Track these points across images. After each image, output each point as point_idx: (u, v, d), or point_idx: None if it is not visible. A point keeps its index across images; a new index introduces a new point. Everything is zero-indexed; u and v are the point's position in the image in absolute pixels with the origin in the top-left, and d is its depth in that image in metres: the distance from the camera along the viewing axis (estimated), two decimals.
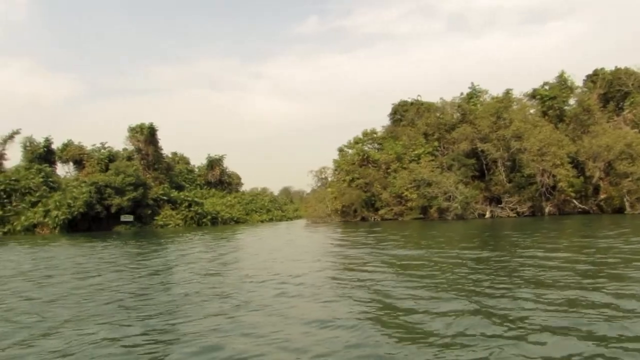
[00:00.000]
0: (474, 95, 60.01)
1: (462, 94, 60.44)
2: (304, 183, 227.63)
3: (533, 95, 59.08)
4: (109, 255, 20.97)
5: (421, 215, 54.19)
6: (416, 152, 57.02)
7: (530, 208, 51.84)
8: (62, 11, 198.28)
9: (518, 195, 51.71)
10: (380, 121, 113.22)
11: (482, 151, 53.00)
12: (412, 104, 63.07)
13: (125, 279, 13.37)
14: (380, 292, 9.72)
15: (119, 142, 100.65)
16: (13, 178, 54.76)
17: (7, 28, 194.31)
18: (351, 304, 8.74)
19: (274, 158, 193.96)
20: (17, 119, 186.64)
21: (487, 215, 52.88)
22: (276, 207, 78.18)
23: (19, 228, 51.34)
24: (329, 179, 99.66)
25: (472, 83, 60.89)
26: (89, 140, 69.34)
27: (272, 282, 11.67)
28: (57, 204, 51.70)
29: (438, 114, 58.84)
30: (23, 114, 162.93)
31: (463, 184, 51.45)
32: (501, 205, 52.70)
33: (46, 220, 51.68)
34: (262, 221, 68.07)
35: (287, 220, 72.47)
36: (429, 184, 51.48)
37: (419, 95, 63.45)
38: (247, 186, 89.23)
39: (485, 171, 54.82)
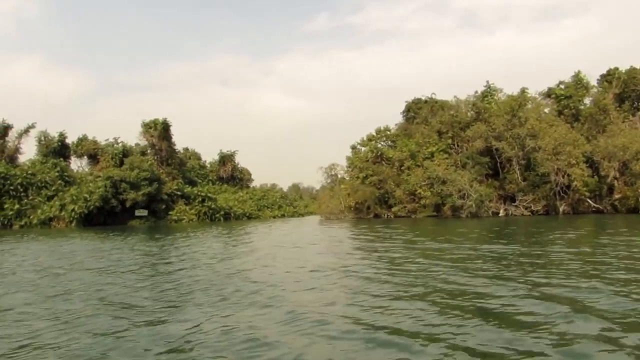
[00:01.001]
0: (488, 93, 59.95)
1: (476, 92, 60.60)
2: (314, 179, 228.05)
3: (548, 94, 58.98)
4: (158, 250, 21.27)
5: (434, 213, 54.31)
6: (430, 150, 57.11)
7: (544, 207, 51.78)
8: (75, 7, 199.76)
9: (532, 193, 51.64)
10: (390, 119, 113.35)
11: (497, 149, 53.00)
12: (426, 101, 63.17)
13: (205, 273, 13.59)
14: (451, 282, 9.90)
15: (130, 138, 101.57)
16: (29, 172, 55.25)
17: (20, 24, 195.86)
18: (443, 293, 8.85)
19: (284, 154, 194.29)
20: (30, 114, 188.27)
21: (501, 213, 52.87)
22: (287, 203, 78.41)
23: (35, 221, 51.88)
24: (339, 176, 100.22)
25: (487, 81, 61.07)
26: (100, 136, 69.63)
27: (352, 275, 11.83)
28: (74, 198, 52.17)
29: (452, 112, 58.79)
30: (35, 109, 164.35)
31: (477, 182, 51.55)
32: (515, 204, 52.65)
33: (62, 214, 52.18)
34: (274, 217, 68.31)
35: (298, 217, 72.71)
36: (443, 182, 51.55)
37: (433, 93, 63.65)
38: (256, 182, 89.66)
39: (500, 169, 54.82)
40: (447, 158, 55.12)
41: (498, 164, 54.76)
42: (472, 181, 51.10)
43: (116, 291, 9.97)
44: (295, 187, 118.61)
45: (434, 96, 63.34)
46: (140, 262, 15.68)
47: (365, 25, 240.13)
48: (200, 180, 70.96)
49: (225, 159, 78.47)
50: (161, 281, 11.31)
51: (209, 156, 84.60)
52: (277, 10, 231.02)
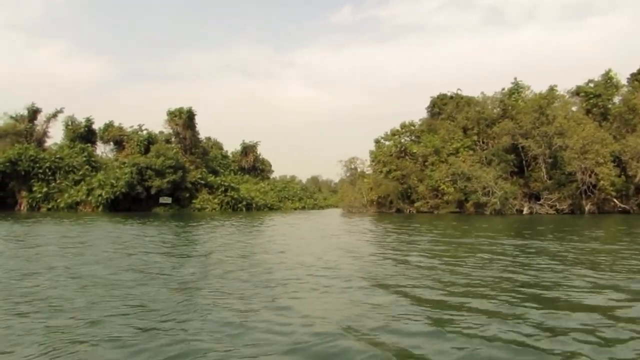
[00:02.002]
0: (515, 90, 59.42)
1: (503, 89, 59.98)
2: (332, 172, 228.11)
3: (577, 92, 58.34)
4: (206, 235, 21.62)
5: (457, 209, 54.17)
6: (454, 146, 56.88)
7: (569, 206, 51.38)
8: None
9: (558, 192, 51.27)
10: (412, 114, 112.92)
11: (523, 147, 52.63)
12: (451, 97, 62.81)
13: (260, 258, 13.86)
14: (511, 270, 10.02)
15: (152, 125, 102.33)
16: (57, 156, 56.01)
17: (47, 9, 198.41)
18: (511, 284, 8.99)
19: (303, 146, 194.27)
20: (54, 99, 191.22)
21: (525, 211, 52.60)
22: (307, 196, 78.61)
23: (62, 205, 52.70)
24: (359, 170, 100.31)
25: (515, 78, 60.43)
26: (121, 122, 70.03)
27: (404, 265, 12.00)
28: (101, 183, 52.86)
29: (478, 109, 58.41)
30: (59, 93, 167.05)
31: (502, 180, 51.31)
32: (540, 202, 52.32)
33: (89, 198, 52.89)
34: (295, 209, 68.54)
35: (319, 209, 72.90)
36: (468, 179, 51.37)
37: (458, 89, 63.27)
38: (275, 174, 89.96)
39: (525, 167, 54.44)
40: (472, 154, 54.84)
41: (523, 162, 54.37)
42: (497, 178, 50.88)
43: (210, 276, 10.27)
44: (314, 180, 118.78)
45: (459, 92, 62.98)
46: (206, 248, 16.03)
47: (389, 19, 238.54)
48: (222, 170, 71.37)
49: (248, 149, 78.82)
50: (235, 268, 11.58)
51: (229, 146, 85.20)
52: (301, 2, 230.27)
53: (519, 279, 9.28)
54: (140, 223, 29.20)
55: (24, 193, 53.29)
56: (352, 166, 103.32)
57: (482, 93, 60.41)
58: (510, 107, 56.57)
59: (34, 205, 52.81)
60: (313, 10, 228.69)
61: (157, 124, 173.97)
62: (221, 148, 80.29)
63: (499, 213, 49.71)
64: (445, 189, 54.15)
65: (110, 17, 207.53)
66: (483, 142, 56.95)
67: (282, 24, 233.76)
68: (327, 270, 10.47)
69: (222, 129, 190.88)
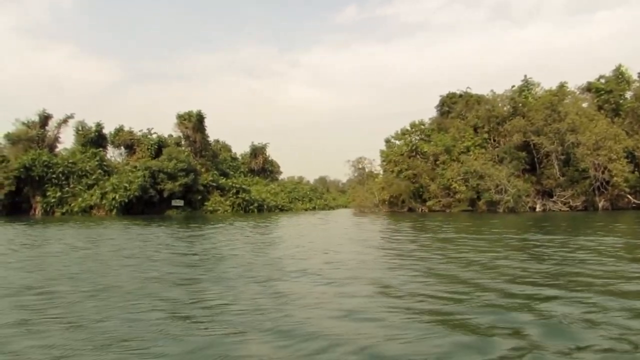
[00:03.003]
0: (526, 88, 59.33)
1: (513, 86, 59.89)
2: (340, 173, 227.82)
3: (588, 88, 58.27)
4: (239, 235, 21.72)
5: (469, 208, 54.17)
6: (465, 144, 56.90)
7: (583, 202, 51.29)
8: None
9: (571, 189, 51.19)
10: (420, 112, 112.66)
11: (534, 144, 52.58)
12: (460, 96, 62.81)
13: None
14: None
15: (159, 127, 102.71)
16: (70, 161, 56.32)
17: (56, 14, 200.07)
18: (578, 277, 9.06)
19: (310, 147, 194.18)
20: (62, 102, 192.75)
21: (538, 208, 52.56)
22: (317, 196, 78.77)
23: (76, 209, 53.04)
24: (367, 170, 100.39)
25: (525, 75, 60.28)
26: (129, 124, 70.55)
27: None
28: (114, 187, 53.15)
29: (488, 107, 58.36)
30: (67, 97, 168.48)
31: (514, 177, 51.30)
32: (553, 199, 52.26)
33: (103, 202, 53.19)
34: (305, 209, 68.68)
35: (329, 209, 72.99)
36: (480, 177, 51.38)
37: (468, 87, 63.23)
38: (283, 175, 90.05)
39: (537, 164, 54.38)
40: (483, 153, 54.84)
41: (535, 159, 54.31)
42: (510, 176, 50.86)
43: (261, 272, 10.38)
44: (321, 180, 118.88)
45: (469, 90, 62.94)
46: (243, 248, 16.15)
47: (394, 17, 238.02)
48: (232, 172, 71.62)
49: (257, 151, 79.08)
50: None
51: (236, 147, 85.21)
52: (304, 2, 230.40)
53: (582, 272, 9.35)
54: (164, 227, 29.34)
55: (38, 198, 53.64)
56: (360, 166, 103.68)
57: (492, 91, 60.41)
58: (520, 105, 56.48)
59: (48, 209, 53.17)
60: (317, 10, 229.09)
61: (163, 125, 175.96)
62: (229, 150, 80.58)
63: (512, 211, 49.65)
64: (457, 187, 54.16)
65: (114, 20, 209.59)
66: (494, 140, 56.89)
67: (286, 24, 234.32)
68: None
69: (228, 130, 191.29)
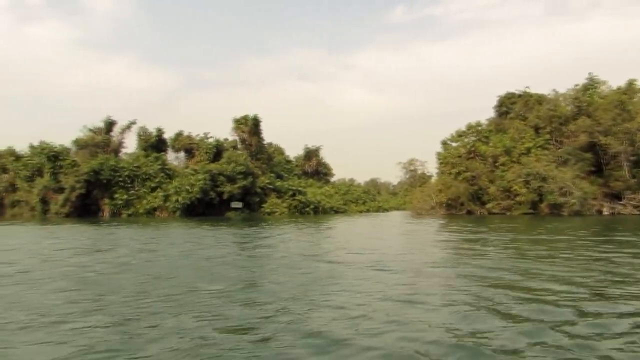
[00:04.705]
0: (591, 86, 57.29)
1: (576, 85, 57.99)
2: (390, 174, 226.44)
3: None
4: (320, 236, 22.13)
5: (530, 210, 52.83)
6: (526, 145, 55.59)
7: None
8: (162, 7, 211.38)
9: None
10: (475, 111, 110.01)
11: (601, 145, 50.75)
12: (520, 96, 61.38)
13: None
14: None
15: (215, 131, 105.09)
16: (135, 165, 58.56)
17: (116, 25, 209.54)
18: None
19: (361, 149, 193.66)
20: (123, 109, 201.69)
21: (606, 211, 50.69)
22: (370, 199, 78.71)
23: (141, 211, 55.16)
24: (419, 172, 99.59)
25: (589, 73, 58.24)
26: (185, 129, 72.69)
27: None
28: (177, 189, 54.92)
29: (549, 106, 56.75)
30: (128, 104, 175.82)
31: (579, 179, 49.72)
32: (622, 202, 50.24)
33: (166, 204, 55.07)
34: (360, 212, 68.73)
35: (383, 212, 72.75)
36: (544, 179, 50.06)
37: (527, 87, 61.72)
38: (334, 177, 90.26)
39: (603, 166, 52.46)
40: (546, 154, 53.40)
41: (601, 160, 52.42)
42: (575, 178, 49.34)
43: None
44: (372, 182, 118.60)
45: (527, 90, 61.41)
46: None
47: (445, 16, 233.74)
48: (286, 175, 72.54)
49: (311, 153, 79.80)
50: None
51: (289, 150, 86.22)
52: (353, 3, 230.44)
53: None
54: (238, 227, 30.09)
55: (106, 200, 56.04)
56: (412, 168, 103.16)
57: (554, 90, 58.74)
58: (585, 104, 54.58)
59: (115, 211, 55.48)
60: (366, 10, 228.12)
61: (218, 129, 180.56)
62: (283, 153, 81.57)
63: (577, 214, 48.15)
64: (518, 189, 52.98)
65: (171, 29, 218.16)
66: (557, 141, 55.26)
67: (336, 26, 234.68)
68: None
69: (280, 133, 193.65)
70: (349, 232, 27.89)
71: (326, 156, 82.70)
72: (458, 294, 8.30)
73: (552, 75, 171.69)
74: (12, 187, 60.05)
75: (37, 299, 8.16)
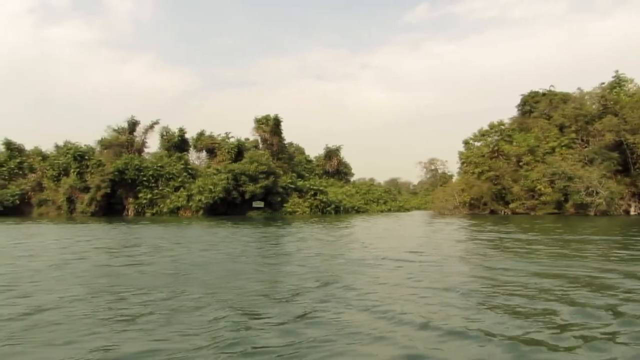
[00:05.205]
0: (617, 84, 56.26)
1: (602, 83, 57.01)
2: (410, 174, 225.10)
3: None
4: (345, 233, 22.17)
5: (555, 210, 52.19)
6: (550, 144, 54.91)
7: None
8: (182, 7, 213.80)
9: None
10: (496, 110, 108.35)
11: (628, 144, 49.89)
12: (544, 94, 60.62)
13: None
14: None
15: (235, 131, 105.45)
16: (159, 164, 59.19)
17: (136, 26, 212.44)
18: None
19: (380, 148, 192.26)
20: (143, 109, 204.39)
21: (633, 211, 49.97)
22: (391, 198, 78.38)
23: (165, 210, 55.75)
24: (439, 171, 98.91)
25: (616, 71, 57.14)
26: (207, 128, 73.33)
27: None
28: (200, 189, 55.38)
29: (574, 105, 55.92)
30: (148, 104, 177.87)
31: (606, 178, 48.98)
32: None
33: (190, 204, 55.57)
34: (381, 211, 68.53)
35: (404, 212, 72.39)
36: (570, 178, 49.40)
37: (551, 86, 60.93)
38: (354, 177, 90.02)
39: (631, 165, 51.56)
40: (571, 153, 52.68)
41: (629, 159, 51.54)
42: (601, 177, 48.62)
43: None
44: (392, 182, 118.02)
45: (552, 88, 60.59)
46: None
47: (466, 14, 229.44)
48: (307, 175, 72.67)
49: (331, 153, 79.82)
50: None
51: (308, 150, 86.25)
52: (373, 2, 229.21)
53: None
54: (264, 226, 30.24)
55: (130, 199, 56.82)
56: (432, 167, 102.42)
57: (579, 89, 57.94)
58: (612, 103, 53.70)
59: (139, 210, 56.22)
60: (387, 9, 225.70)
61: (238, 129, 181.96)
62: (303, 153, 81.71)
63: (604, 214, 47.54)
64: (543, 189, 52.39)
65: (191, 30, 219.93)
66: (582, 140, 54.46)
67: (355, 26, 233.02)
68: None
69: (299, 133, 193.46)
70: (387, 230, 27.78)
71: (347, 155, 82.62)
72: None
73: (576, 74, 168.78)
74: (40, 187, 61.17)
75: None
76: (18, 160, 64.21)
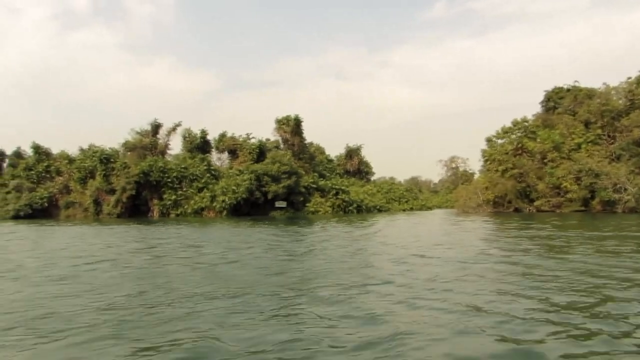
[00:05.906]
0: None
1: (629, 77, 56.00)
2: (431, 172, 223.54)
3: None
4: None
5: (582, 208, 51.54)
6: (576, 141, 54.22)
7: None
8: (201, 10, 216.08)
9: None
10: (519, 107, 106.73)
11: None
12: (568, 90, 59.81)
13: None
14: None
15: (256, 131, 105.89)
16: (182, 166, 59.91)
17: (157, 29, 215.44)
18: None
19: (400, 147, 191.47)
20: (165, 111, 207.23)
21: None
22: (413, 197, 78.15)
23: (189, 211, 56.41)
24: (460, 169, 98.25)
25: None
26: (228, 129, 73.87)
27: None
28: (223, 190, 55.90)
29: (599, 100, 55.12)
30: (170, 106, 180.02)
31: (634, 175, 48.21)
32: None
33: (213, 204, 56.12)
34: (403, 210, 68.40)
35: (427, 210, 72.14)
36: (596, 175, 48.73)
37: (575, 81, 60.05)
38: (375, 176, 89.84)
39: None
40: (598, 150, 51.95)
41: None
42: (630, 174, 47.90)
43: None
44: (413, 181, 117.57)
45: (577, 84, 59.80)
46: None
47: (486, 9, 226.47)
48: (328, 174, 72.85)
49: (352, 152, 79.87)
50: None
51: (329, 150, 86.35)
52: (391, 1, 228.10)
53: None
54: (294, 227, 30.45)
55: (155, 201, 57.58)
56: (454, 165, 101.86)
57: (605, 84, 56.97)
58: (639, 98, 52.81)
59: (164, 211, 56.95)
60: (405, 6, 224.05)
61: (258, 129, 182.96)
62: (324, 152, 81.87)
63: (632, 211, 46.73)
64: (569, 186, 51.73)
65: (211, 32, 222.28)
66: (609, 136, 53.66)
67: (374, 24, 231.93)
68: None
69: (319, 133, 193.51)
70: (418, 229, 27.78)
71: (367, 154, 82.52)
72: None
73: (601, 69, 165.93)
74: (66, 189, 62.39)
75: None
76: (46, 164, 65.56)
